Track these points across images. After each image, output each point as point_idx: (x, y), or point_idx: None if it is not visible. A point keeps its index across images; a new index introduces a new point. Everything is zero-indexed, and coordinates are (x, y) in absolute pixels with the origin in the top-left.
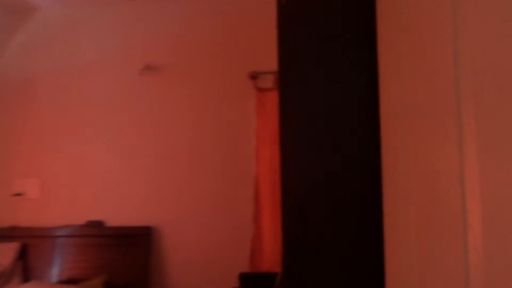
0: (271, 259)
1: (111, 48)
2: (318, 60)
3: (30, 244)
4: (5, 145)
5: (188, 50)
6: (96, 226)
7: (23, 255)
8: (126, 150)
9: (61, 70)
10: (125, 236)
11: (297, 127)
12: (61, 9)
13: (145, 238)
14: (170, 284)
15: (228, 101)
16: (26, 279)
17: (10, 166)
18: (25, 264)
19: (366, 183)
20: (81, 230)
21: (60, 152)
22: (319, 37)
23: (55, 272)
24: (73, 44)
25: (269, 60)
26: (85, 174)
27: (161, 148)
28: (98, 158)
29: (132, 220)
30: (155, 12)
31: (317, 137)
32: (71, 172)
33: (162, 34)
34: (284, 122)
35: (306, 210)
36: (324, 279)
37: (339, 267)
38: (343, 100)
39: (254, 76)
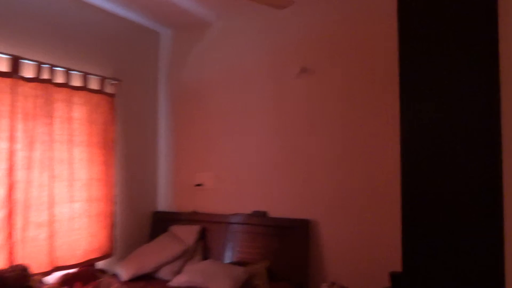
0: None
1: (268, 53)
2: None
3: (208, 228)
4: (190, 144)
5: (342, 50)
6: (260, 216)
7: (202, 237)
8: (285, 149)
9: (226, 76)
10: (285, 227)
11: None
12: (225, 22)
13: (303, 230)
14: (326, 275)
15: (383, 98)
16: (205, 258)
17: (194, 161)
18: (204, 245)
19: (486, 186)
20: (248, 219)
21: (228, 149)
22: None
23: (228, 255)
24: (235, 52)
25: None
26: (250, 169)
27: (318, 147)
28: (261, 156)
29: (291, 213)
30: (307, 15)
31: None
32: (238, 167)
33: (316, 36)
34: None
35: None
36: (442, 281)
37: (458, 271)
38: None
39: None
